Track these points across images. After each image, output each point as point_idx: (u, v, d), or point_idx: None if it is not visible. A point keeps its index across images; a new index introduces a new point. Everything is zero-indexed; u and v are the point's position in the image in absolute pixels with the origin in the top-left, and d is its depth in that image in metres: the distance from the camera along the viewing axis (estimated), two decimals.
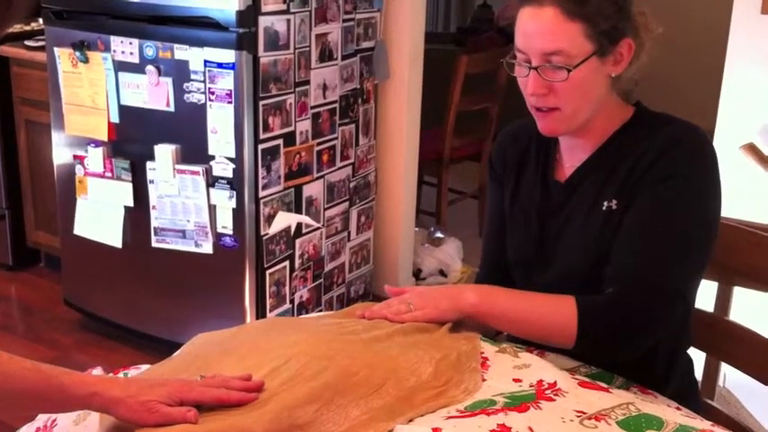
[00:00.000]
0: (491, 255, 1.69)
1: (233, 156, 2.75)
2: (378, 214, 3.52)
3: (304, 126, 2.95)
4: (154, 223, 2.93)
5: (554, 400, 1.14)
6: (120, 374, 1.42)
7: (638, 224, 1.37)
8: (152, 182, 2.89)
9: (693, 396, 1.58)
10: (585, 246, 1.43)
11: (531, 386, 1.20)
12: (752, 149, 2.33)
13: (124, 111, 2.88)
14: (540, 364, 1.28)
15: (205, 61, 2.69)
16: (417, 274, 3.76)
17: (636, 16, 1.42)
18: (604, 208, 1.43)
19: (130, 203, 2.96)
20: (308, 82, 2.92)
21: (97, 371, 1.42)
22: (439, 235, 3.85)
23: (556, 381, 1.20)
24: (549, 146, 1.56)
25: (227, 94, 2.69)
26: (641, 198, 1.37)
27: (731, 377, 2.41)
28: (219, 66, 2.67)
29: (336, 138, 3.14)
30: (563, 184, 1.51)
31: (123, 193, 2.96)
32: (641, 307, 1.34)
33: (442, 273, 3.78)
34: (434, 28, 6.86)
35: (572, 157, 1.52)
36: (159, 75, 2.77)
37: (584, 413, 1.11)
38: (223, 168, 2.78)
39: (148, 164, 2.87)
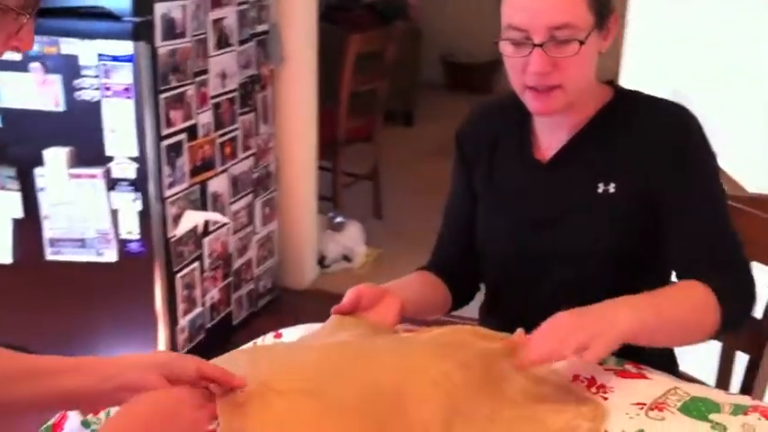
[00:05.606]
0: (450, 242, 1.62)
1: (135, 155, 2.55)
2: (280, 204, 3.39)
3: (206, 118, 2.78)
4: (47, 234, 2.70)
5: (606, 398, 1.10)
6: None
7: (702, 209, 1.35)
8: (42, 189, 2.65)
9: (672, 369, 1.58)
10: (596, 231, 1.38)
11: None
12: None
13: (6, 113, 2.62)
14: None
15: (99, 55, 2.47)
16: (321, 262, 3.66)
17: None
18: (600, 191, 1.38)
19: (19, 215, 2.71)
20: (206, 71, 2.75)
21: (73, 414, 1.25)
22: (339, 220, 3.76)
23: (593, 376, 1.16)
24: (522, 125, 1.50)
25: (125, 89, 2.49)
26: (677, 185, 1.34)
27: None
28: (115, 59, 2.47)
29: (237, 128, 2.98)
30: (546, 165, 1.46)
31: (10, 203, 2.70)
32: (752, 282, 1.35)
33: (347, 258, 3.70)
34: None
35: (551, 136, 1.47)
36: (45, 72, 2.53)
37: (644, 404, 1.07)
38: (124, 169, 2.58)
39: (37, 170, 2.63)
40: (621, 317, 1.17)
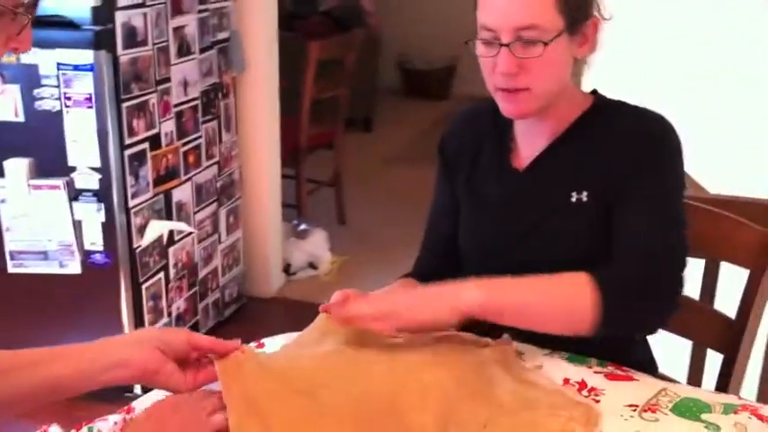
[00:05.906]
0: (434, 250, 1.61)
1: (98, 165, 2.51)
2: (244, 212, 3.36)
3: (168, 127, 2.74)
4: (8, 247, 2.64)
5: (598, 400, 1.10)
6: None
7: (643, 206, 1.32)
8: (3, 201, 2.59)
9: (652, 372, 1.59)
10: (572, 239, 1.37)
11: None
12: None
13: None
14: (550, 361, 1.23)
15: (58, 64, 2.42)
16: (287, 270, 3.64)
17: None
18: (573, 200, 1.37)
19: None
20: (168, 79, 2.71)
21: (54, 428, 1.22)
22: (304, 227, 3.74)
23: (583, 379, 1.16)
24: (503, 131, 1.50)
25: (86, 99, 2.45)
26: (634, 192, 1.32)
27: None
28: (76, 68, 2.42)
29: (201, 136, 2.95)
30: (523, 173, 1.45)
31: None
32: (669, 276, 1.28)
33: (312, 265, 3.68)
34: None
35: (529, 143, 1.46)
36: (3, 82, 2.47)
37: (637, 406, 1.07)
38: (86, 179, 2.54)
39: None
40: (465, 293, 1.22)
